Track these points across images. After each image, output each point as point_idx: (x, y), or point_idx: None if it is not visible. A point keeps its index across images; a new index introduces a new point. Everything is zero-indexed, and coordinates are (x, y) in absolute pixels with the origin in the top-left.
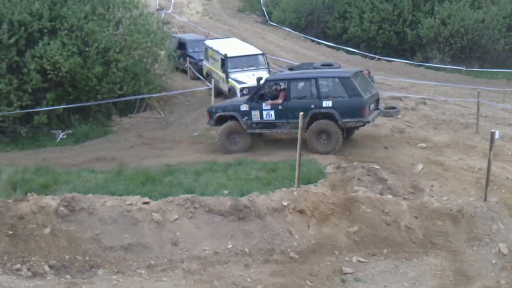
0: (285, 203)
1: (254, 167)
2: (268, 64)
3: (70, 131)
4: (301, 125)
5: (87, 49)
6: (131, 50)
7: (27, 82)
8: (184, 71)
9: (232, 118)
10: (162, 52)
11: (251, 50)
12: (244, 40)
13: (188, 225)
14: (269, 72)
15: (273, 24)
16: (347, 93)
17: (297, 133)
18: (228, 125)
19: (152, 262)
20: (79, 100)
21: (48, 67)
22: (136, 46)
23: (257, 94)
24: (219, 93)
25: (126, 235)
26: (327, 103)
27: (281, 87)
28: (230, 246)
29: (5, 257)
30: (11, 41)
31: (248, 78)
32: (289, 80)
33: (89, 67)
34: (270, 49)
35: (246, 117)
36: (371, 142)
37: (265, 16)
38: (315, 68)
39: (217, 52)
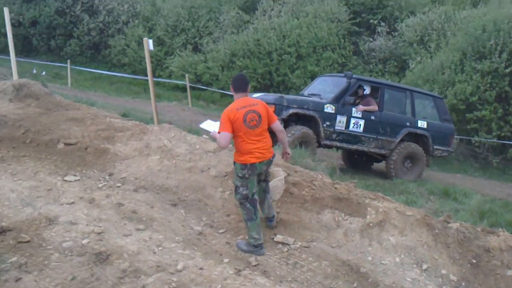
0: None
1: None
2: None
3: None
4: None
5: None
6: None
7: (511, 113)
8: None
9: (306, 120)
10: None
11: None
12: None
13: None
14: None
15: None
16: (439, 117)
17: (382, 153)
18: (302, 131)
19: None
20: None
21: None
22: None
23: (346, 94)
24: None
25: None
26: (422, 124)
27: (364, 92)
28: None
29: (463, 283)
30: (507, 70)
31: None
32: (384, 86)
33: None
34: None
35: (328, 123)
36: None
37: None
38: None
39: None
